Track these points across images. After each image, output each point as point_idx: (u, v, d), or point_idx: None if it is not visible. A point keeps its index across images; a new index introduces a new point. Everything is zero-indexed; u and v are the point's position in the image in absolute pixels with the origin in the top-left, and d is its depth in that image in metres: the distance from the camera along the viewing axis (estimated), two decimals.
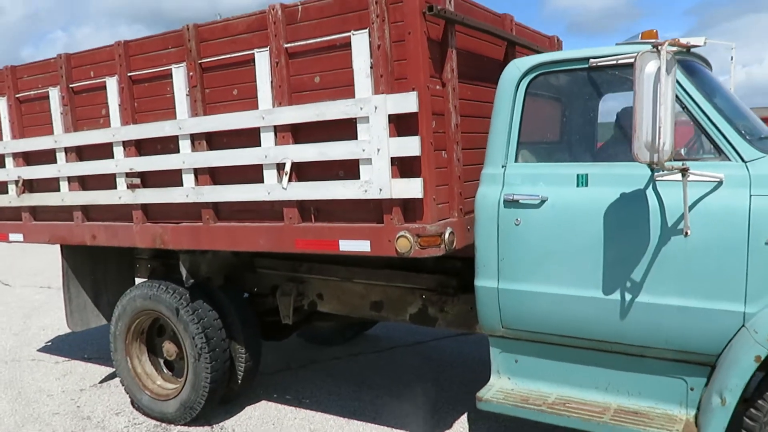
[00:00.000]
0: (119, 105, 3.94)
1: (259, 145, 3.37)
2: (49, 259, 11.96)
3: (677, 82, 2.74)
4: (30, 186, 4.56)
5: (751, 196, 2.65)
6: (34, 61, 4.49)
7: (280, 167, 3.30)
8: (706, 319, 2.73)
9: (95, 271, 4.88)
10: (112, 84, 3.95)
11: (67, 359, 5.77)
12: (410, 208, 2.99)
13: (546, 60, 3.13)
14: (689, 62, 3.00)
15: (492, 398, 3.23)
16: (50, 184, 4.44)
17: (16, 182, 4.58)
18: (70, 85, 4.20)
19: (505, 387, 3.33)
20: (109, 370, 5.35)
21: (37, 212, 4.62)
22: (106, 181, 4.10)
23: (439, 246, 2.95)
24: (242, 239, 3.56)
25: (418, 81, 2.89)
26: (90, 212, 4.30)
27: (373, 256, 4.00)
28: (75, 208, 4.30)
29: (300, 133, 3.27)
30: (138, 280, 5.08)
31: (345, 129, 3.11)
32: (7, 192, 4.70)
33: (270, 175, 3.35)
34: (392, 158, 2.95)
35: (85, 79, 4.14)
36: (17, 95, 4.52)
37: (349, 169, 3.13)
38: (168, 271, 4.98)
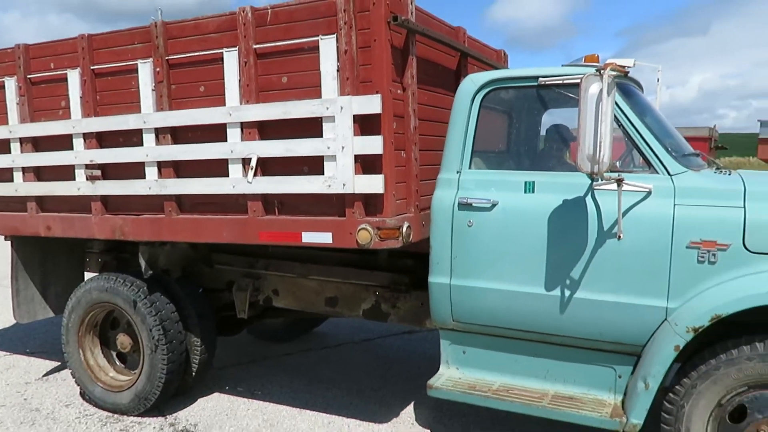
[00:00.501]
0: (81, 97, 3.97)
1: (225, 141, 3.50)
2: None
3: (615, 102, 3.06)
4: None
5: (675, 205, 2.99)
6: None
7: (245, 162, 3.45)
8: (635, 314, 3.04)
9: (45, 263, 4.84)
10: (74, 76, 3.98)
11: (8, 353, 5.66)
12: (371, 203, 3.20)
13: (500, 76, 3.42)
14: (626, 85, 3.36)
15: (442, 386, 3.46)
16: (3, 175, 4.40)
17: None
18: (28, 76, 4.19)
19: (453, 376, 3.56)
20: (54, 364, 5.31)
21: None
22: (64, 173, 4.11)
23: (397, 238, 3.17)
24: (206, 231, 3.67)
25: (381, 85, 3.11)
26: (45, 203, 4.28)
27: (328, 254, 4.22)
28: (29, 199, 4.28)
29: (266, 130, 3.42)
30: (88, 274, 5.08)
31: (310, 127, 3.29)
32: None
33: (235, 169, 3.49)
34: (356, 156, 3.16)
35: (45, 70, 4.14)
36: None
37: (313, 165, 3.31)
38: (120, 264, 5.01)
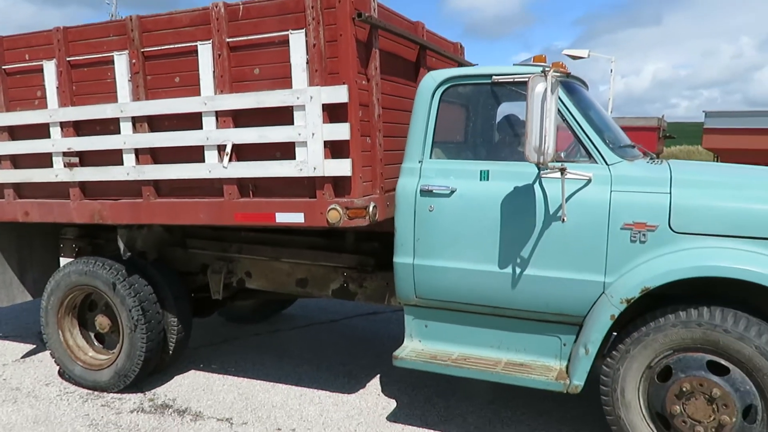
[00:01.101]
0: (57, 87, 4.13)
1: (201, 128, 3.73)
2: None
3: (560, 99, 3.41)
4: None
5: (611, 191, 3.35)
6: None
7: (220, 148, 3.68)
8: (577, 288, 3.40)
9: (21, 249, 4.98)
10: (50, 67, 4.13)
11: None
12: (340, 185, 3.48)
13: (457, 74, 3.73)
14: (570, 83, 3.70)
15: (406, 357, 3.78)
16: None
17: None
18: (3, 67, 4.31)
19: (416, 348, 3.88)
20: (29, 347, 5.46)
21: None
22: (42, 160, 4.26)
23: (364, 217, 3.46)
24: (183, 213, 3.89)
25: (348, 76, 3.38)
26: (22, 190, 4.43)
27: (298, 237, 4.49)
28: (6, 186, 4.42)
29: (240, 118, 3.66)
30: (62, 260, 5.24)
31: (281, 116, 3.54)
32: None
33: (211, 155, 3.72)
34: (325, 141, 3.43)
35: (20, 61, 4.27)
36: None
37: (285, 151, 3.56)
38: (94, 250, 5.17)
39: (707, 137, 17.22)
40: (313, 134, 3.43)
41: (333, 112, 3.44)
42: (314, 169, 3.46)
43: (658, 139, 18.64)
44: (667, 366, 3.25)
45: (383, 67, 3.74)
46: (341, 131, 3.41)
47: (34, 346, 5.48)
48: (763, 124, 16.03)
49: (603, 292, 3.35)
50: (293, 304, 6.51)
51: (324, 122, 3.42)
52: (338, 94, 3.37)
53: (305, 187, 3.58)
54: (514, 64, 3.68)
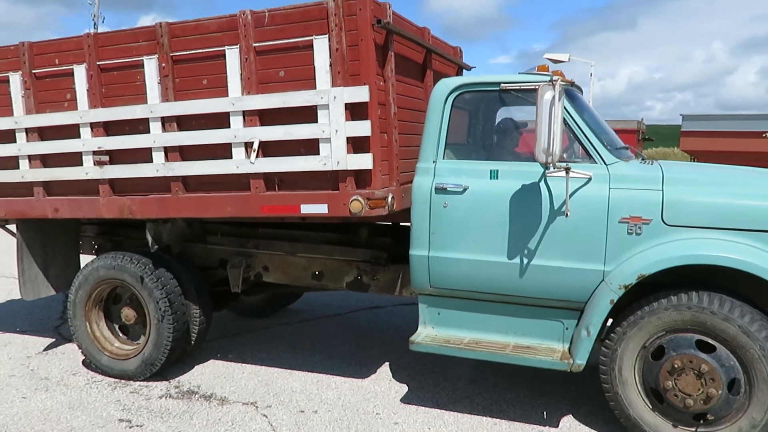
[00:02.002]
0: (87, 90, 4.36)
1: (229, 127, 3.99)
2: None
3: (563, 106, 3.73)
4: None
5: (610, 188, 3.67)
6: None
7: (247, 145, 3.94)
8: (579, 276, 3.71)
9: (45, 245, 5.19)
10: (80, 71, 4.36)
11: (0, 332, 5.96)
12: (361, 178, 3.77)
13: (468, 81, 4.04)
14: (571, 91, 4.04)
15: (422, 341, 4.06)
16: (7, 162, 4.74)
17: None
18: (33, 71, 4.54)
19: (430, 333, 4.16)
20: (49, 340, 5.67)
21: None
22: (72, 159, 4.49)
23: (383, 207, 3.74)
24: (211, 207, 4.14)
25: (368, 77, 3.67)
26: (51, 188, 4.65)
27: (314, 233, 4.76)
28: (36, 184, 4.64)
29: (265, 117, 3.93)
30: (83, 257, 5.47)
31: (305, 114, 3.82)
32: None
33: (238, 152, 3.98)
34: (348, 137, 3.71)
35: (50, 66, 4.50)
36: None
37: (309, 147, 3.83)
38: (114, 246, 5.40)
39: (684, 140, 17.75)
40: (336, 131, 3.71)
41: (355, 111, 3.72)
42: (338, 163, 3.74)
43: (637, 141, 19.14)
44: (660, 346, 3.57)
45: (397, 69, 4.03)
46: (363, 128, 3.69)
47: (54, 339, 5.68)
48: (739, 127, 16.60)
49: (603, 280, 3.66)
50: (299, 299, 6.77)
51: (346, 120, 3.70)
52: (360, 93, 3.66)
53: (328, 180, 3.85)
54: (520, 73, 4.01)
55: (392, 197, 3.82)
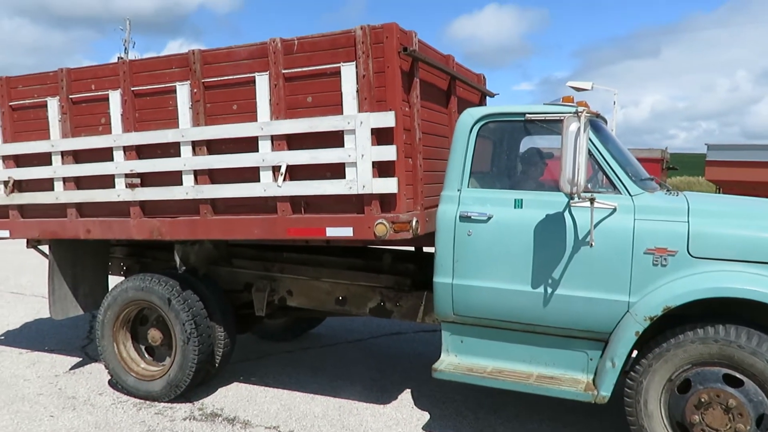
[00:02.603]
0: (121, 115, 4.50)
1: (257, 151, 4.07)
2: None
3: (588, 137, 3.75)
4: (20, 186, 4.97)
5: (635, 219, 3.67)
6: (31, 73, 4.94)
7: (275, 169, 4.02)
8: (604, 307, 3.69)
9: (76, 265, 5.30)
10: (115, 96, 4.50)
11: (29, 350, 6.07)
12: (386, 201, 3.81)
13: (493, 112, 4.09)
14: (596, 122, 4.06)
15: (444, 369, 4.04)
16: (42, 185, 4.88)
17: (5, 183, 4.96)
18: (70, 96, 4.70)
19: (453, 361, 4.14)
20: (76, 359, 5.75)
21: (25, 210, 5.02)
22: (104, 181, 4.61)
23: (408, 231, 3.78)
24: (238, 229, 4.21)
25: (394, 103, 3.74)
26: (84, 209, 4.77)
27: (338, 259, 4.80)
28: (69, 206, 4.76)
29: (293, 141, 4.01)
30: (111, 278, 5.58)
31: (332, 139, 3.89)
32: None
33: (266, 175, 4.06)
34: (373, 162, 3.76)
35: (86, 91, 4.66)
36: (11, 103, 4.94)
37: (335, 171, 3.90)
38: (142, 268, 5.50)
39: (710, 169, 17.57)
40: (362, 155, 3.77)
41: (380, 136, 3.79)
42: (363, 186, 3.79)
43: (661, 170, 18.98)
44: (687, 379, 3.51)
45: (422, 95, 4.10)
46: (388, 153, 3.75)
47: (81, 358, 5.76)
48: (765, 158, 16.40)
49: (627, 311, 3.63)
50: (321, 324, 6.78)
51: (372, 144, 3.76)
52: (386, 119, 3.73)
53: (353, 204, 3.90)
54: (544, 104, 4.05)
55: (417, 221, 3.85)
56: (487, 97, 5.90)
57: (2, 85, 4.94)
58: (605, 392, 3.61)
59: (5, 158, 4.99)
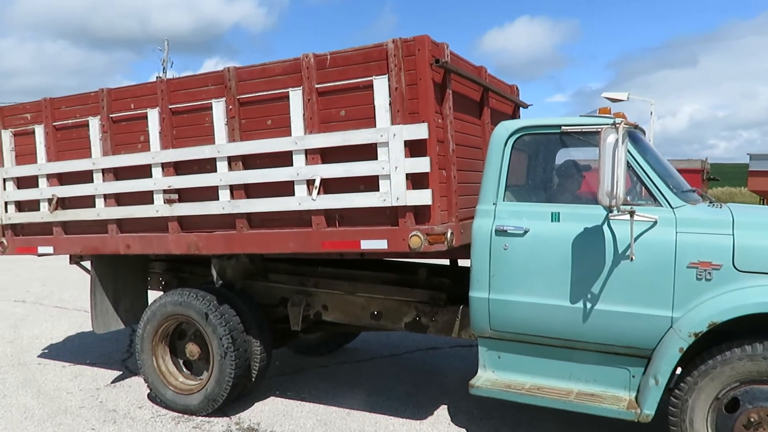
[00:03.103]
0: (160, 132, 4.59)
1: (291, 165, 4.11)
2: (12, 274, 12.28)
3: (627, 149, 3.67)
4: (63, 203, 5.12)
5: (677, 232, 3.58)
6: (72, 94, 5.10)
7: (309, 183, 4.04)
8: (645, 322, 3.60)
9: (117, 280, 5.42)
10: (153, 114, 4.61)
11: (71, 364, 6.20)
12: (420, 213, 3.79)
13: (528, 124, 4.05)
14: (634, 133, 3.99)
15: (482, 385, 3.99)
16: (84, 201, 5.01)
17: (49, 200, 5.11)
18: (110, 115, 4.83)
19: (490, 378, 4.08)
20: (117, 372, 5.86)
21: (68, 227, 5.16)
22: (143, 198, 4.71)
23: (443, 243, 3.74)
24: (273, 243, 4.24)
25: (427, 115, 3.73)
26: (124, 225, 4.87)
27: (373, 273, 4.79)
28: (110, 222, 4.87)
29: (327, 155, 4.03)
30: (150, 293, 5.68)
31: (365, 152, 3.89)
32: (38, 209, 5.22)
33: (300, 189, 4.08)
34: (407, 174, 3.75)
35: (125, 110, 4.78)
36: (54, 123, 5.11)
37: (369, 183, 3.90)
38: (180, 283, 5.58)
39: (752, 179, 17.06)
40: (396, 168, 3.76)
41: (414, 148, 3.77)
42: (397, 199, 3.78)
43: (701, 181, 18.50)
44: (735, 397, 3.40)
45: (454, 106, 4.08)
46: (422, 164, 3.73)
47: (121, 372, 5.87)
48: None
49: (671, 327, 3.53)
50: (356, 338, 6.76)
51: (406, 157, 3.75)
52: (419, 131, 3.71)
53: (387, 216, 3.89)
54: (580, 116, 3.99)
55: (451, 233, 3.82)
56: (521, 109, 5.85)
57: (46, 106, 5.11)
58: (649, 410, 3.51)
59: (49, 176, 5.14)
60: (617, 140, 3.39)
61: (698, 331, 3.42)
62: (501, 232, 3.92)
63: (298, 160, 4.09)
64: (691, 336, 3.43)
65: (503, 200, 4.00)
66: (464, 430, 4.50)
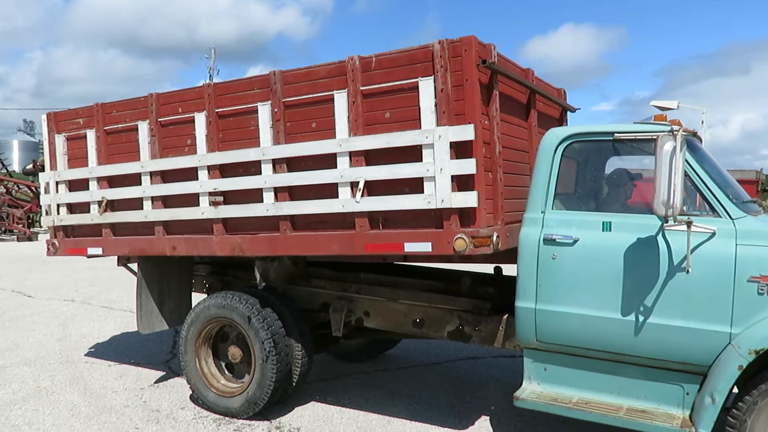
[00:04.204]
0: (206, 135, 4.65)
1: (335, 167, 4.10)
2: (61, 274, 12.69)
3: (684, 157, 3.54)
4: (112, 205, 5.23)
5: (737, 245, 3.42)
6: (123, 99, 5.23)
7: (353, 185, 4.03)
8: (702, 338, 3.44)
9: (161, 282, 5.50)
10: (200, 118, 4.67)
11: (117, 363, 6.32)
12: (465, 216, 3.72)
13: (578, 131, 3.94)
14: (692, 141, 3.85)
15: (527, 398, 3.89)
16: (132, 204, 5.10)
17: (99, 202, 5.24)
18: (159, 119, 4.92)
19: (536, 390, 3.97)
20: (160, 373, 5.93)
21: (116, 228, 5.27)
22: (189, 200, 4.77)
23: (488, 246, 3.67)
24: (317, 245, 4.24)
25: (473, 116, 3.68)
26: (170, 227, 4.94)
27: (417, 279, 4.73)
28: (157, 224, 4.95)
29: (371, 157, 4.01)
30: (195, 295, 5.74)
31: (410, 154, 3.86)
32: (88, 211, 5.35)
33: (344, 191, 4.07)
34: (452, 176, 3.70)
35: (173, 114, 4.86)
36: (105, 128, 5.24)
37: (413, 186, 3.86)
38: (224, 286, 5.63)
39: None
40: (441, 169, 3.71)
41: (459, 150, 3.72)
42: (442, 201, 3.72)
43: (756, 192, 17.88)
44: None
45: (501, 108, 4.02)
46: (468, 166, 3.67)
47: (164, 372, 5.94)
48: None
49: (729, 343, 3.38)
50: (396, 346, 6.70)
51: (451, 158, 3.70)
52: (465, 132, 3.66)
53: (432, 219, 3.84)
54: (634, 122, 3.88)
55: (497, 236, 3.74)
56: (568, 113, 5.73)
57: (98, 111, 5.24)
58: (704, 430, 3.35)
59: (99, 179, 5.26)
60: (675, 148, 3.27)
61: (759, 349, 3.26)
62: (549, 241, 3.82)
63: (343, 162, 4.08)
64: (752, 353, 3.27)
65: (552, 208, 3.90)
66: None
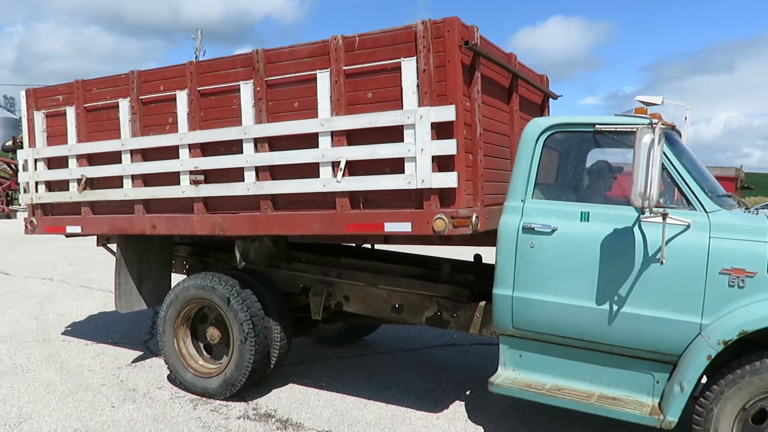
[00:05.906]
0: (188, 114, 4.62)
1: (317, 147, 4.09)
2: (41, 253, 12.57)
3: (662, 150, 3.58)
4: (91, 183, 5.18)
5: (710, 237, 3.48)
6: (104, 76, 5.16)
7: (335, 165, 4.02)
8: (673, 328, 3.51)
9: (141, 262, 5.46)
10: (182, 96, 4.63)
11: (94, 342, 6.29)
12: (445, 197, 3.74)
13: (560, 122, 3.97)
14: (670, 135, 3.89)
15: (501, 383, 3.93)
16: (112, 182, 5.06)
17: (78, 180, 5.18)
18: (140, 97, 4.87)
19: (510, 376, 4.02)
20: (138, 353, 5.92)
21: (96, 207, 5.22)
22: (170, 178, 4.73)
23: (467, 226, 3.69)
24: (297, 225, 4.23)
25: (455, 97, 3.69)
26: (151, 206, 4.91)
27: (396, 266, 4.74)
28: (137, 202, 4.92)
29: (353, 137, 4.00)
30: (174, 276, 5.71)
31: (391, 134, 3.86)
32: (67, 189, 5.29)
33: (325, 171, 4.06)
34: (433, 156, 3.71)
35: (155, 92, 4.81)
36: (85, 105, 5.17)
37: (394, 166, 3.86)
38: (204, 267, 5.60)
39: None
40: (422, 150, 3.72)
41: (440, 130, 3.73)
42: (422, 181, 3.73)
43: (735, 189, 18.08)
44: (762, 408, 3.31)
45: (483, 90, 4.03)
46: (448, 147, 3.69)
47: (142, 352, 5.93)
48: None
49: (699, 333, 3.44)
50: (375, 331, 6.72)
51: (432, 139, 3.71)
52: (446, 113, 3.67)
53: (412, 199, 3.85)
54: (615, 115, 3.92)
55: (476, 217, 3.76)
56: (552, 104, 5.77)
57: (78, 88, 5.18)
58: (672, 417, 3.42)
59: (79, 157, 5.20)
60: (653, 140, 3.31)
61: (728, 339, 3.32)
62: (528, 230, 3.86)
63: (324, 142, 4.07)
64: (720, 344, 3.33)
65: (532, 197, 3.93)
66: (481, 427, 4.43)
